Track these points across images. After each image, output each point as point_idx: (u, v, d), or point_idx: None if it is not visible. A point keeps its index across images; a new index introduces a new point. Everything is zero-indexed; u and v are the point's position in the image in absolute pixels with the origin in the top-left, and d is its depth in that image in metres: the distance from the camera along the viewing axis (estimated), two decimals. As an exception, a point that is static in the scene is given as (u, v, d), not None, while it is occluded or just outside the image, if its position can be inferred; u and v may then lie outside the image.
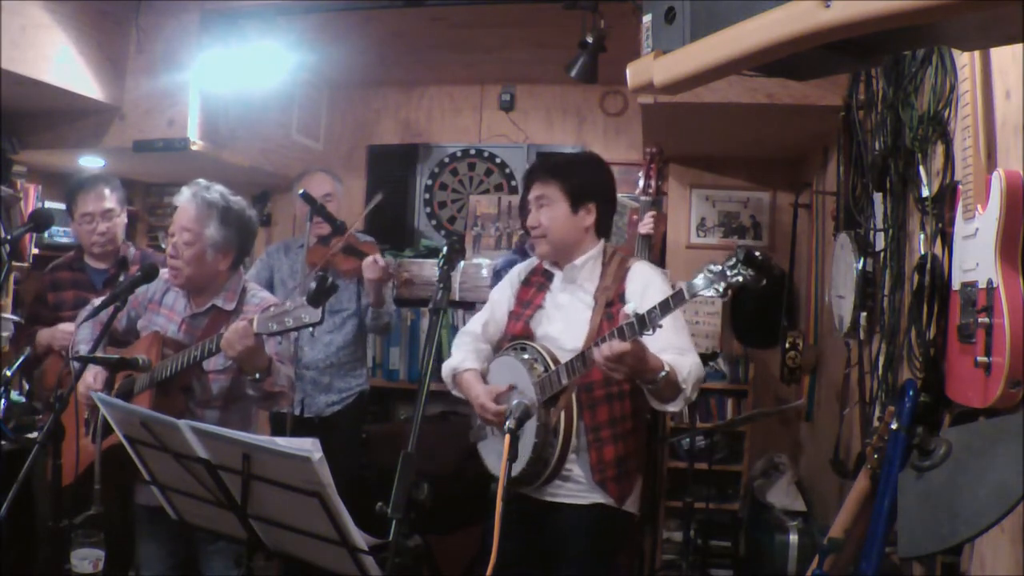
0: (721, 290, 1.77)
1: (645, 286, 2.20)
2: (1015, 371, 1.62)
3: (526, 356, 2.23)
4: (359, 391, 3.61)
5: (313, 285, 2.00)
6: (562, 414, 2.16)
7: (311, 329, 2.06)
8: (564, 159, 2.44)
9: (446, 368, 2.42)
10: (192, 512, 1.92)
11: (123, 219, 3.13)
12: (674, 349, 2.10)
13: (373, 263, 3.19)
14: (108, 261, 3.10)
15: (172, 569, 2.40)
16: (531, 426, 2.14)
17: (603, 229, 2.35)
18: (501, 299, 2.46)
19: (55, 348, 2.91)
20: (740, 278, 1.75)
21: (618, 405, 2.22)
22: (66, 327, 2.89)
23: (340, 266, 3.34)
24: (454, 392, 2.42)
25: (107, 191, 3.05)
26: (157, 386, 2.25)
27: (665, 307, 1.88)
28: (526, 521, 2.25)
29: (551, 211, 2.27)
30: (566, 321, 2.26)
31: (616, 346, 1.91)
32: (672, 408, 2.14)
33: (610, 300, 2.22)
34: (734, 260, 1.77)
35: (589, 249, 2.31)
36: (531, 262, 2.49)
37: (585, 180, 2.30)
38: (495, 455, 2.29)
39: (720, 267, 1.78)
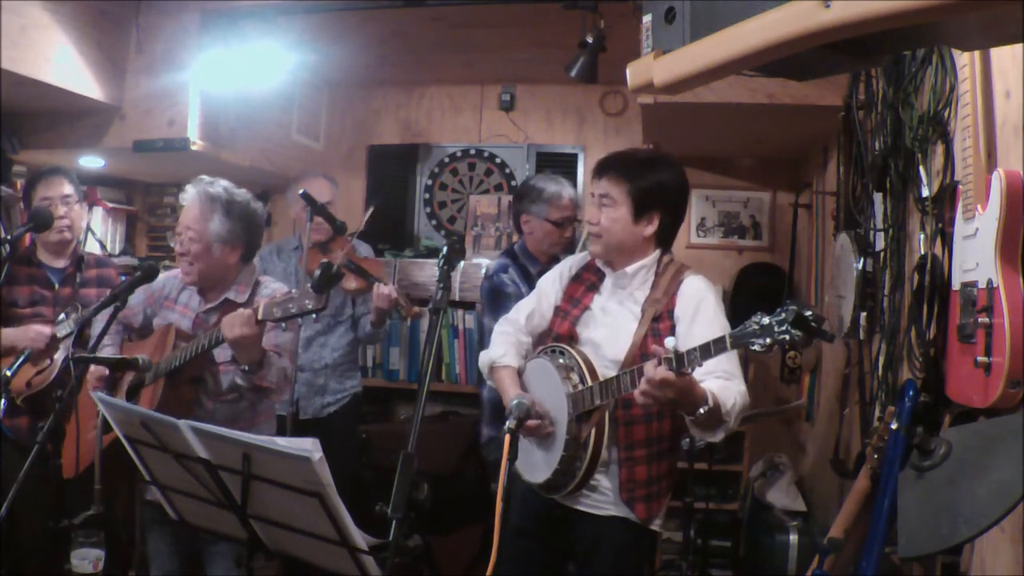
0: (766, 346, 1.69)
1: (697, 306, 2.10)
2: (1015, 371, 1.61)
3: (562, 362, 2.14)
4: (353, 393, 3.66)
5: (318, 272, 2.03)
6: (593, 430, 2.08)
7: (310, 318, 2.09)
8: (639, 160, 2.25)
9: (484, 358, 2.33)
10: (192, 512, 1.93)
11: (81, 211, 3.12)
12: (722, 373, 2.01)
13: (386, 295, 3.20)
14: (64, 255, 3.09)
15: (180, 566, 2.41)
16: (560, 439, 2.10)
17: (664, 240, 2.23)
18: (549, 291, 2.36)
19: (23, 349, 2.80)
20: (787, 337, 1.66)
21: (656, 425, 2.13)
22: (41, 329, 2.86)
23: (344, 284, 3.35)
24: (489, 382, 2.35)
25: (66, 180, 3.07)
26: (167, 377, 2.28)
27: (706, 351, 1.80)
28: (547, 523, 2.23)
29: (612, 213, 2.15)
30: (612, 328, 2.17)
31: (662, 372, 1.81)
32: (711, 439, 2.05)
33: (658, 314, 2.12)
34: (783, 317, 1.66)
35: (643, 258, 2.19)
36: (584, 256, 2.36)
37: (654, 187, 2.16)
38: (522, 454, 2.24)
39: (769, 321, 1.68)
